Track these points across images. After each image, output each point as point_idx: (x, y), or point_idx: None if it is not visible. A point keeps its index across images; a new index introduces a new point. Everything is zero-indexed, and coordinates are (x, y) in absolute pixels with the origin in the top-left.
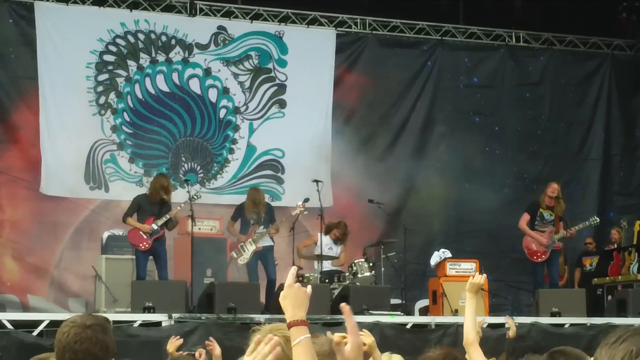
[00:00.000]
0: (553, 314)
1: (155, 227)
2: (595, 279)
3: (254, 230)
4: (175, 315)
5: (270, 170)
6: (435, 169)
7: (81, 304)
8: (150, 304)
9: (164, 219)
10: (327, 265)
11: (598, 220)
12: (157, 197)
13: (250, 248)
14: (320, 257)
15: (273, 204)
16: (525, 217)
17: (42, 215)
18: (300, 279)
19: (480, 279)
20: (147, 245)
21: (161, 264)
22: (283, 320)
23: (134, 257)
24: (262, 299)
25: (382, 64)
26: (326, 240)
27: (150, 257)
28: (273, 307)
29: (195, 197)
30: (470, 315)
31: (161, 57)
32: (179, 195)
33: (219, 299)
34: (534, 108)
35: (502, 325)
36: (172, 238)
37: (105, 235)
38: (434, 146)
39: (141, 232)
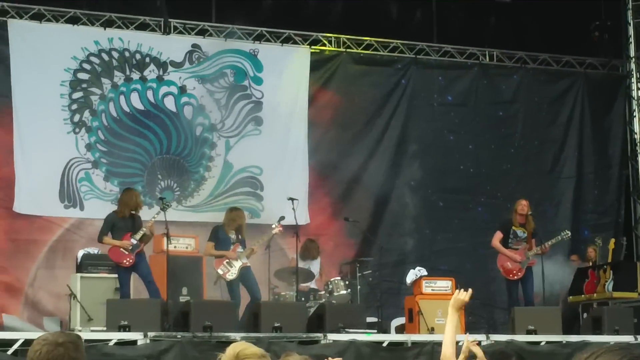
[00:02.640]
0: (529, 332)
1: (134, 241)
2: (571, 297)
3: (236, 249)
4: (150, 334)
5: (249, 187)
6: (409, 187)
7: (56, 323)
8: (126, 323)
9: (140, 233)
10: (303, 285)
11: (569, 233)
12: (126, 213)
13: (237, 264)
14: (297, 274)
15: (252, 221)
16: (498, 235)
17: (15, 233)
18: (276, 297)
19: (465, 295)
20: (131, 261)
21: (146, 272)
22: (259, 339)
23: (109, 275)
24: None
25: (356, 82)
26: (306, 262)
27: (133, 273)
28: (248, 324)
29: (166, 205)
30: (450, 332)
31: (135, 75)
32: (153, 213)
33: (195, 317)
34: (507, 126)
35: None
36: (147, 256)
37: (80, 253)
38: (408, 164)
39: (122, 249)
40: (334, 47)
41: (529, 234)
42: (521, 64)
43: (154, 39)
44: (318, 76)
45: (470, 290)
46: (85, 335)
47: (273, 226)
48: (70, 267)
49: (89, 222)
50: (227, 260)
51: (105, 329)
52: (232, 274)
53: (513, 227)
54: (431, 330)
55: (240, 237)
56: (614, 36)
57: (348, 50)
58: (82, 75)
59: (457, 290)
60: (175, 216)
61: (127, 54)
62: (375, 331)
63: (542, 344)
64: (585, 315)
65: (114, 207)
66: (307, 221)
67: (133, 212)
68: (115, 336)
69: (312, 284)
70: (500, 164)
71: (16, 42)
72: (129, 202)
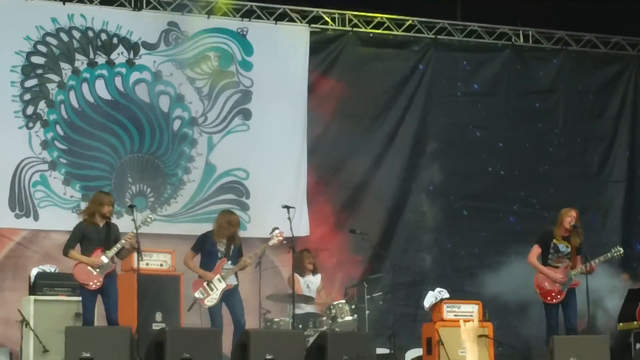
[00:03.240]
0: None
1: (105, 260)
2: (621, 324)
3: (221, 265)
4: None
5: (233, 194)
6: (427, 193)
7: (5, 355)
8: (88, 355)
9: (114, 250)
10: (302, 307)
11: (622, 251)
12: (99, 222)
13: (219, 286)
14: (293, 296)
15: None
16: (536, 250)
17: None
18: (268, 324)
19: (474, 322)
20: (98, 284)
21: (111, 304)
22: None
23: (69, 298)
24: (226, 348)
25: (364, 68)
26: (303, 279)
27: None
28: (236, 358)
29: (148, 220)
30: None
31: (101, 59)
32: (123, 225)
33: (171, 349)
34: (545, 121)
35: None
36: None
37: (34, 272)
38: (426, 166)
39: (89, 268)
40: (338, 25)
41: (573, 249)
42: (562, 46)
43: (122, 16)
44: (319, 61)
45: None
46: None
47: (271, 234)
48: (22, 289)
49: (45, 235)
50: (207, 282)
51: None
52: (211, 299)
53: (554, 241)
54: None
55: (232, 249)
56: None
57: (355, 29)
58: (37, 59)
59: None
60: (147, 227)
61: (90, 33)
62: None
63: None
64: (638, 345)
65: (75, 217)
66: (307, 233)
67: (108, 219)
68: None
69: (311, 308)
70: (536, 165)
71: None
72: (104, 201)
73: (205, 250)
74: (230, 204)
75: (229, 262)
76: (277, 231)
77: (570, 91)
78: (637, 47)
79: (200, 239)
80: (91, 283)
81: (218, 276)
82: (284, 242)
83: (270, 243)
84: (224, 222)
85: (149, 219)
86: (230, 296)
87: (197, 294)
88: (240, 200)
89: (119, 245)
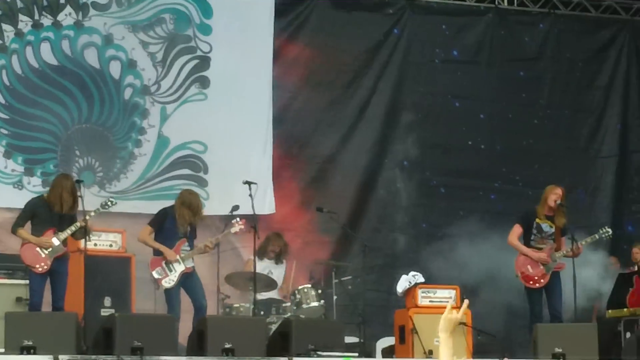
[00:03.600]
0: (555, 356)
1: (57, 242)
2: (610, 311)
3: (180, 246)
4: (62, 358)
5: (188, 169)
6: (401, 168)
7: None
8: (30, 343)
9: (67, 232)
10: (263, 293)
11: (610, 232)
12: (59, 204)
13: (178, 268)
14: (254, 279)
15: None
16: (517, 230)
17: None
18: (227, 310)
19: (456, 313)
20: (45, 267)
21: (59, 290)
22: None
23: (9, 281)
24: (183, 336)
25: (334, 32)
26: (264, 264)
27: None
28: (192, 347)
29: (109, 204)
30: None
31: (47, 21)
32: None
33: (121, 336)
34: (530, 91)
35: None
36: None
37: None
38: (401, 139)
39: (38, 249)
40: None
41: (557, 230)
42: (549, 9)
43: None
44: (285, 24)
45: (465, 302)
46: None
47: (233, 221)
48: None
49: None
50: (166, 262)
51: (3, 350)
52: (169, 280)
53: (537, 220)
54: (429, 354)
55: (190, 230)
56: None
57: None
58: None
59: (448, 307)
60: (95, 204)
61: None
62: (357, 355)
63: None
64: (628, 334)
65: (17, 192)
66: (272, 210)
67: (70, 204)
68: None
69: (274, 294)
70: (520, 139)
71: None
72: (60, 191)
73: (164, 227)
74: (185, 180)
75: (187, 243)
76: (237, 219)
77: (558, 59)
78: (631, 11)
79: (160, 214)
80: (37, 266)
81: (178, 257)
82: (245, 230)
83: (232, 230)
84: (185, 206)
85: (109, 203)
86: (188, 279)
87: (154, 273)
88: (197, 176)
89: (73, 228)
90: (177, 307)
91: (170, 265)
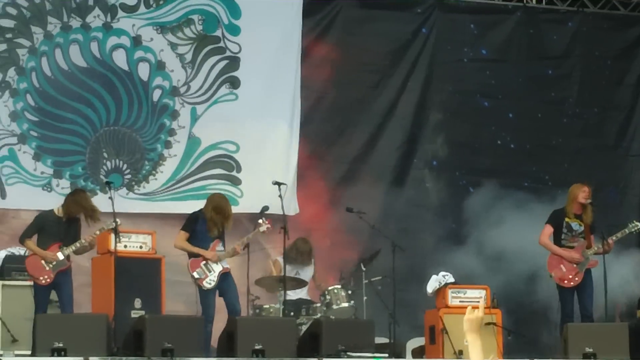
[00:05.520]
0: (586, 356)
1: (61, 256)
2: None
3: (215, 247)
4: (93, 359)
5: (221, 169)
6: (430, 168)
7: None
8: (61, 345)
9: (72, 248)
10: (293, 294)
11: (639, 225)
12: (72, 216)
13: (216, 268)
14: (284, 281)
15: None
16: (548, 230)
17: None
18: (257, 311)
19: (478, 312)
20: (48, 280)
21: (65, 303)
22: None
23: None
24: (214, 340)
25: (362, 32)
26: (289, 267)
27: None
28: (222, 348)
29: (114, 223)
30: None
31: (76, 23)
32: (98, 203)
33: (151, 338)
34: (559, 89)
35: None
36: (89, 259)
37: (2, 254)
38: (429, 139)
39: (43, 262)
40: None
41: (586, 227)
42: (578, 7)
43: None
44: (313, 24)
45: (481, 303)
46: None
47: (260, 221)
48: None
49: (13, 214)
50: (205, 262)
51: (29, 353)
52: (210, 280)
53: (566, 219)
54: (459, 354)
55: (221, 231)
56: None
57: None
58: (6, 22)
59: (469, 308)
60: (125, 206)
61: None
62: (387, 356)
63: None
64: None
65: (46, 195)
66: (297, 211)
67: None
68: None
69: (304, 294)
70: (548, 137)
71: None
72: (84, 204)
73: (196, 230)
74: (218, 179)
75: (221, 244)
76: (262, 219)
77: (587, 57)
78: None
79: (191, 218)
80: (41, 277)
81: (217, 257)
82: (272, 229)
83: (261, 230)
84: (215, 209)
85: (115, 222)
86: (224, 281)
87: (195, 274)
88: (231, 175)
89: (77, 244)
90: (212, 308)
91: (209, 266)
